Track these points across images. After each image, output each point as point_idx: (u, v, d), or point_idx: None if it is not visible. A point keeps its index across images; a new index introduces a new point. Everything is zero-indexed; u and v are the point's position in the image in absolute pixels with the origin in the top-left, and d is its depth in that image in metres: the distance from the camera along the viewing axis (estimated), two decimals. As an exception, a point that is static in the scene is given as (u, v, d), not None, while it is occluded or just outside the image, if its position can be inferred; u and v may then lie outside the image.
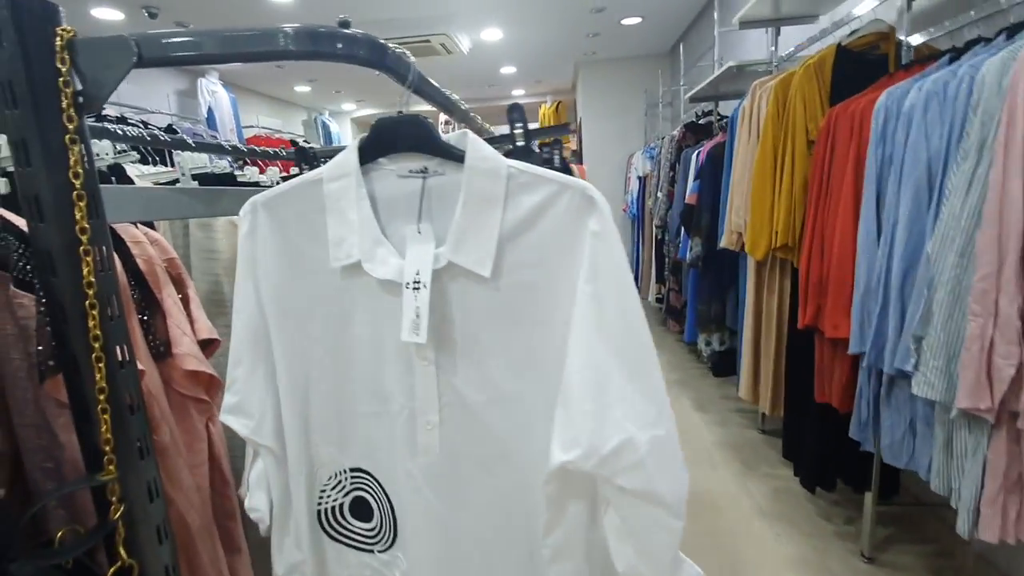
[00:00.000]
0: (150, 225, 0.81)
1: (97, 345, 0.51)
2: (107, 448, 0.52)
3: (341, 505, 0.69)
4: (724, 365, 2.85)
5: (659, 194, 3.73)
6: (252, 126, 5.52)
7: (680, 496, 0.56)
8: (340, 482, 0.68)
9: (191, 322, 0.77)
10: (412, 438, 0.63)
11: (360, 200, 0.58)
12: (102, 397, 0.52)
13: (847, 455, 1.82)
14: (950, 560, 1.77)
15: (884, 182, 1.29)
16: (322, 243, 0.60)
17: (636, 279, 5.21)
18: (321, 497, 0.69)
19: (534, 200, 0.55)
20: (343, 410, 0.66)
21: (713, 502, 2.14)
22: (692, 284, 2.98)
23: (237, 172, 1.02)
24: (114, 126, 1.01)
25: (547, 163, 0.90)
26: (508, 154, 0.61)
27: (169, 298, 0.74)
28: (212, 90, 4.57)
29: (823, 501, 2.10)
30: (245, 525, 0.87)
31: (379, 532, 0.69)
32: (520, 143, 0.67)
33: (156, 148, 1.09)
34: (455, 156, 0.57)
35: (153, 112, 4.03)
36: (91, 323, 0.51)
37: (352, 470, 0.68)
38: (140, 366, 0.69)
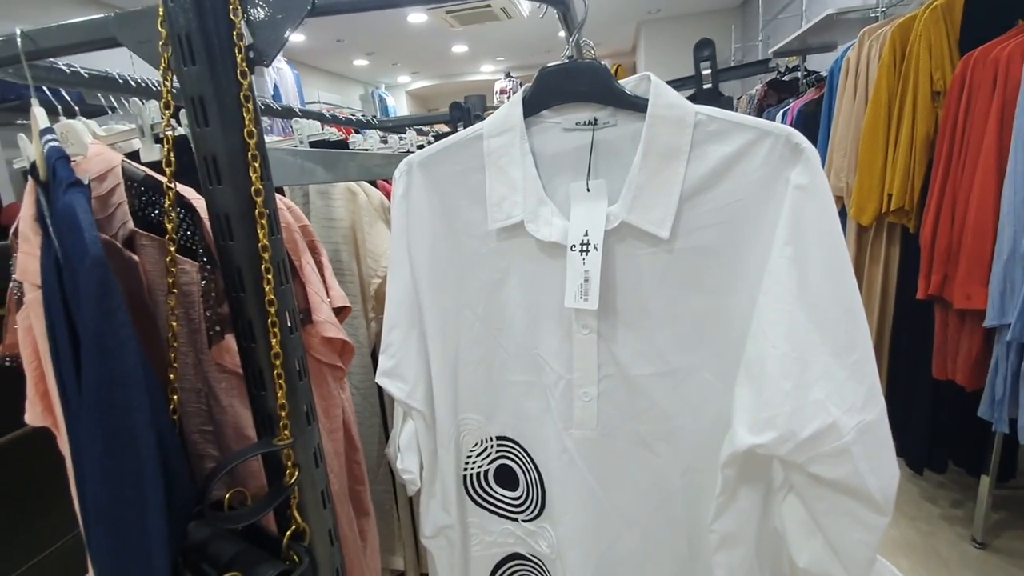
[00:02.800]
0: (280, 192, 0.80)
1: (272, 310, 0.50)
2: (282, 413, 0.52)
3: (486, 472, 0.68)
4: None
5: (734, 159, 3.52)
6: (314, 102, 5.59)
7: (889, 491, 0.50)
8: (486, 449, 0.67)
9: (327, 289, 0.77)
10: (568, 410, 0.60)
11: (524, 156, 0.54)
12: (277, 363, 0.51)
13: (960, 435, 1.70)
14: (1076, 549, 1.63)
15: (1040, 134, 1.14)
16: (480, 203, 0.57)
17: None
18: (467, 463, 0.68)
19: (725, 151, 0.49)
20: (493, 378, 0.63)
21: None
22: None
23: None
24: None
25: None
26: (693, 99, 0.55)
27: (307, 265, 0.74)
28: (277, 67, 4.64)
29: (926, 483, 1.97)
30: (372, 490, 0.89)
31: (525, 501, 0.67)
32: (707, 85, 0.61)
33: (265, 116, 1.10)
34: (633, 104, 0.51)
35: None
36: (266, 287, 0.50)
37: (498, 438, 0.66)
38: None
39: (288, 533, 0.53)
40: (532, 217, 0.54)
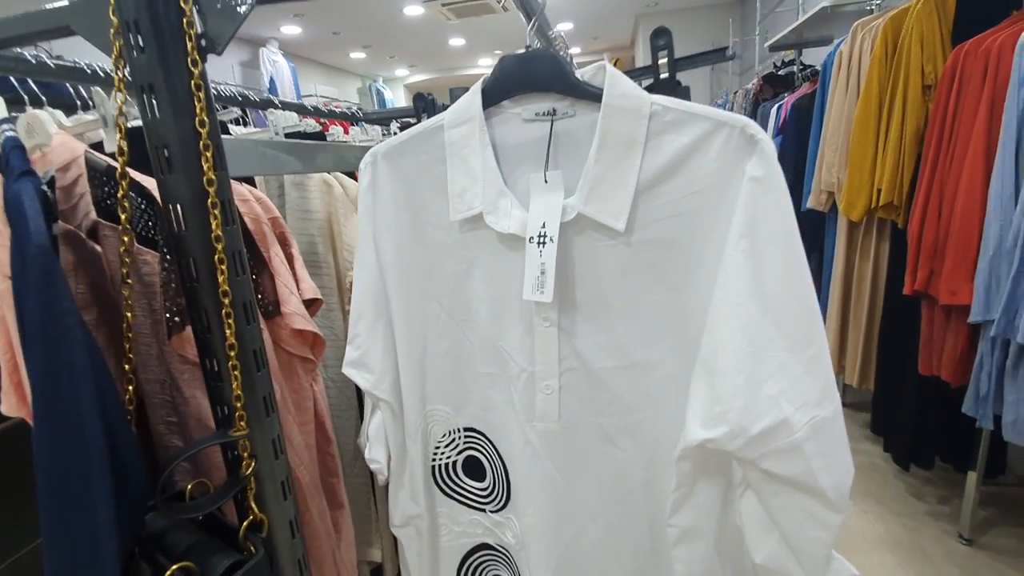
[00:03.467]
0: (251, 183, 0.80)
1: (227, 301, 0.50)
2: (238, 404, 0.52)
3: (454, 463, 0.68)
4: (802, 334, 2.71)
5: (730, 154, 3.51)
6: (310, 95, 5.58)
7: (843, 488, 0.50)
8: (454, 440, 0.67)
9: (296, 281, 0.76)
10: (530, 403, 0.59)
11: (483, 147, 0.54)
12: (232, 354, 0.51)
13: (947, 431, 1.70)
14: (1061, 546, 1.63)
15: (1026, 129, 1.13)
16: (443, 194, 0.57)
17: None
18: (436, 453, 0.68)
19: (681, 141, 0.49)
20: (460, 370, 0.63)
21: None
22: (768, 249, 2.82)
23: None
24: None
25: None
26: (651, 89, 0.54)
27: (276, 257, 0.73)
28: (273, 60, 4.63)
29: (913, 479, 1.97)
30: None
31: (492, 492, 0.67)
32: (664, 75, 0.60)
33: (243, 108, 1.09)
34: (591, 94, 0.51)
35: (220, 84, 4.12)
36: (220, 278, 0.49)
37: (466, 429, 0.66)
38: (253, 324, 0.68)
39: (245, 524, 0.53)
40: (491, 209, 0.54)
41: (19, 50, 0.69)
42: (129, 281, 0.53)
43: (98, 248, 0.60)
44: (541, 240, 0.52)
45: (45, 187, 0.52)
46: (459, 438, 0.67)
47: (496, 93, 0.54)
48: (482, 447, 0.66)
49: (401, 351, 0.65)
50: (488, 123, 0.55)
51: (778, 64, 3.26)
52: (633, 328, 0.54)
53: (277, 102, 1.00)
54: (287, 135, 0.88)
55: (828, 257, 2.19)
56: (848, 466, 0.50)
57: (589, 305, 0.55)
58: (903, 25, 1.58)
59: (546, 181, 0.53)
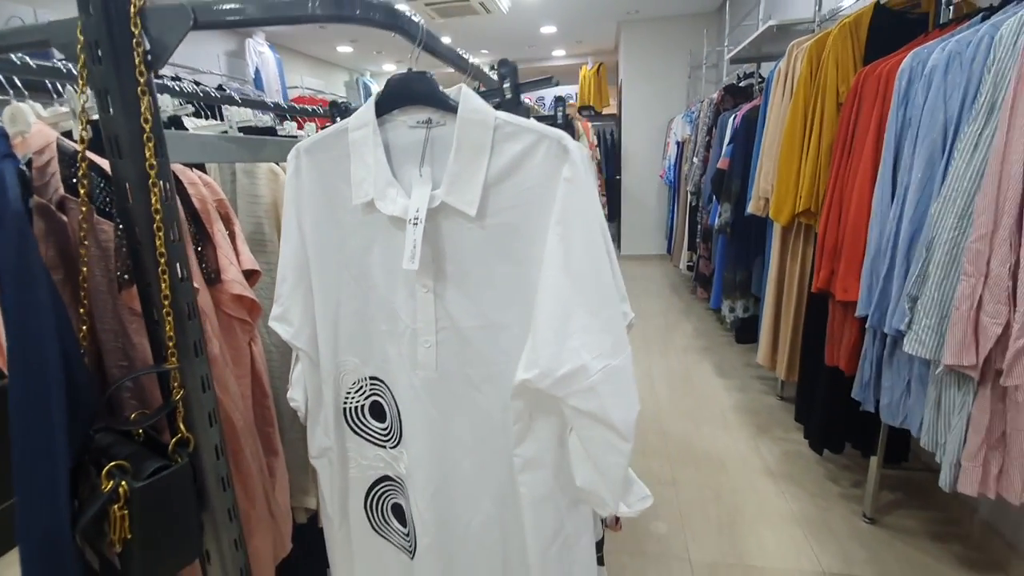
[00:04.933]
0: (202, 170, 0.93)
1: (163, 261, 0.63)
2: (170, 344, 0.65)
3: (362, 406, 0.81)
4: (747, 332, 2.88)
5: (695, 159, 3.68)
6: (296, 87, 5.67)
7: (629, 422, 0.64)
8: (361, 387, 0.80)
9: (237, 254, 0.90)
10: (414, 354, 0.74)
11: (376, 147, 0.68)
12: (166, 303, 0.64)
13: (857, 419, 1.86)
14: (955, 527, 1.80)
15: (902, 145, 1.29)
16: (348, 183, 0.70)
17: (669, 246, 5.18)
18: (347, 398, 0.81)
19: (516, 148, 0.63)
20: (365, 327, 0.77)
21: (721, 460, 2.21)
22: (720, 251, 2.99)
23: (278, 127, 1.14)
24: (171, 82, 1.14)
25: (550, 119, 0.97)
26: (498, 106, 0.68)
27: (219, 232, 0.87)
28: (259, 51, 4.72)
29: (833, 465, 2.14)
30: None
31: (390, 431, 0.81)
32: (509, 96, 0.74)
33: (208, 104, 1.22)
34: (452, 108, 0.65)
35: (204, 72, 4.21)
36: (158, 243, 0.63)
37: (371, 378, 0.80)
38: (196, 286, 0.82)
39: (174, 440, 0.67)
40: (381, 196, 0.68)
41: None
42: (86, 244, 0.66)
43: (65, 218, 0.73)
44: (415, 221, 0.66)
45: (24, 167, 0.65)
46: (365, 385, 0.81)
47: (387, 104, 0.68)
48: (383, 393, 0.80)
49: (318, 311, 0.78)
50: (383, 128, 0.69)
51: (741, 76, 3.43)
52: (489, 295, 0.69)
53: (238, 98, 1.13)
54: (240, 129, 1.01)
55: (767, 260, 2.36)
56: (633, 405, 0.65)
57: (456, 275, 0.69)
58: (825, 48, 1.74)
59: (421, 175, 0.67)
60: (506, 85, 0.75)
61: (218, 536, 0.75)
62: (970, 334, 0.99)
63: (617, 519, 1.50)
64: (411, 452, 0.77)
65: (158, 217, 0.62)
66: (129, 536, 0.60)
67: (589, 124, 1.04)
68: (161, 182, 0.63)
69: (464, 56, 0.84)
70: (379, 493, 0.84)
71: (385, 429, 0.81)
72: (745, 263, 2.77)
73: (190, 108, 0.96)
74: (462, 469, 0.76)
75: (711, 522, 1.85)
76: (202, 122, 1.05)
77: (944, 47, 1.18)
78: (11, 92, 0.84)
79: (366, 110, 0.68)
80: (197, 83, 2.75)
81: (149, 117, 0.61)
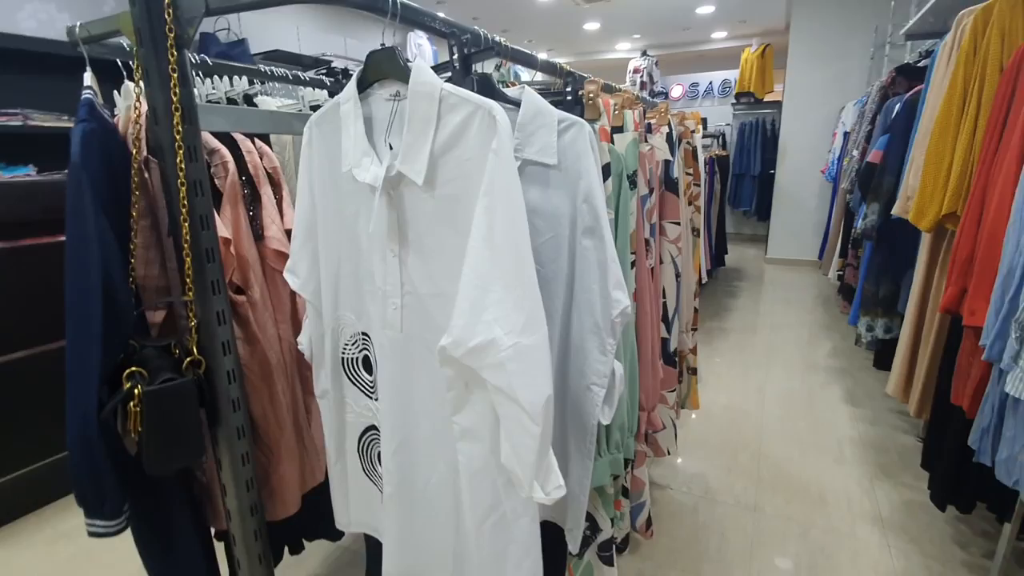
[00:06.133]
0: (266, 142, 1.08)
1: (184, 211, 0.77)
2: (188, 280, 0.79)
3: (356, 359, 0.89)
4: (887, 356, 2.45)
5: (854, 152, 3.19)
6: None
7: (536, 403, 0.61)
8: (356, 341, 0.88)
9: (281, 216, 1.03)
10: (384, 315, 0.79)
11: (356, 119, 0.73)
12: (186, 246, 0.78)
13: (992, 474, 1.50)
14: None
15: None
16: (341, 152, 0.77)
17: (821, 251, 4.57)
18: (344, 350, 0.90)
19: (457, 119, 0.64)
20: (359, 287, 0.84)
21: (822, 495, 1.94)
22: (865, 259, 2.57)
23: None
24: (296, 72, 1.33)
25: (560, 96, 0.94)
26: (450, 80, 0.69)
27: (266, 195, 1.01)
28: (419, 43, 5.14)
29: (966, 527, 1.76)
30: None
31: (374, 384, 0.88)
32: (458, 67, 0.74)
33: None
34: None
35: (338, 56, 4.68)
36: (182, 197, 0.76)
37: (363, 334, 0.87)
38: (243, 243, 0.96)
39: (187, 361, 0.81)
40: (357, 164, 0.74)
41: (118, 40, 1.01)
42: (137, 192, 0.82)
43: (147, 175, 0.91)
44: (373, 190, 0.70)
45: (115, 129, 0.83)
46: (359, 340, 0.88)
47: (366, 80, 0.73)
48: (370, 348, 0.87)
49: (323, 268, 0.87)
50: (366, 102, 0.74)
51: (922, 54, 2.87)
52: (440, 264, 0.71)
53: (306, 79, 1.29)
54: (311, 107, 1.15)
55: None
56: (541, 389, 0.61)
57: (415, 243, 0.72)
58: (990, 16, 1.40)
59: (390, 147, 0.71)
60: (455, 56, 0.75)
61: (231, 449, 0.89)
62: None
63: (648, 525, 1.42)
64: (382, 406, 0.83)
65: (182, 175, 0.75)
66: (140, 429, 0.75)
67: (611, 101, 0.97)
68: (187, 145, 0.76)
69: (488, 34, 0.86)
70: (368, 440, 0.92)
71: (371, 382, 0.88)
72: (892, 275, 2.35)
73: (256, 88, 1.12)
74: (422, 429, 0.80)
75: (786, 557, 1.65)
76: (280, 101, 1.21)
77: None
78: (125, 73, 1.05)
79: (351, 84, 0.74)
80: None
81: (178, 91, 0.73)
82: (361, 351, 0.89)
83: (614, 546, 1.16)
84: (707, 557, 1.65)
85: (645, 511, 1.37)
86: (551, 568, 1.10)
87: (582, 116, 0.88)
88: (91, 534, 0.81)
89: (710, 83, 7.17)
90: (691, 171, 1.77)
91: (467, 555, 0.79)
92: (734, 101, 6.45)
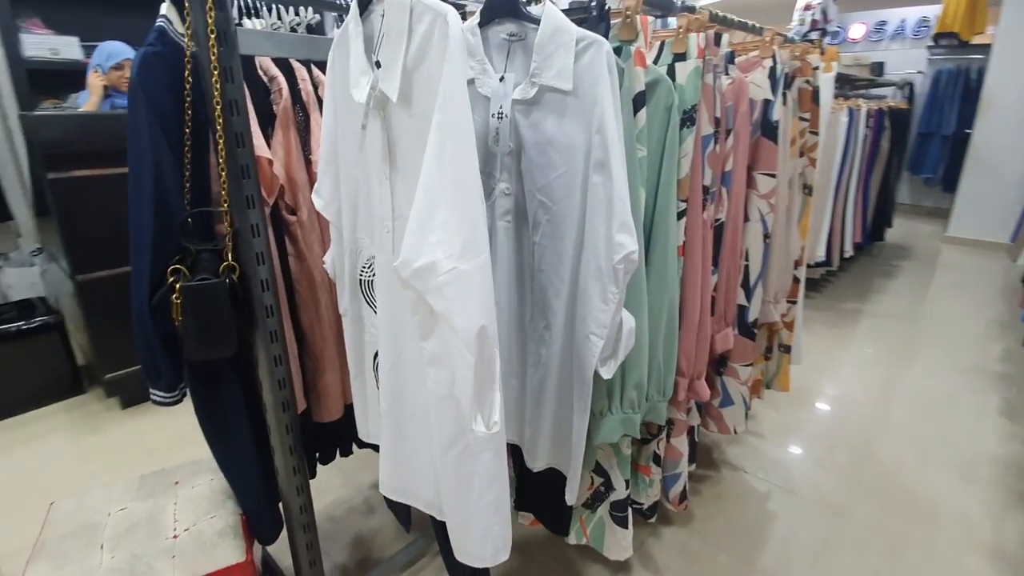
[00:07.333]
0: (322, 69, 1.13)
1: (220, 127, 0.84)
2: (224, 193, 0.88)
3: (371, 281, 0.93)
4: (1068, 365, 1.96)
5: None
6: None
7: (469, 332, 0.59)
8: (371, 264, 0.92)
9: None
10: (381, 238, 0.81)
11: (357, 37, 0.74)
12: (221, 160, 0.86)
13: None
14: None
15: None
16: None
17: (1016, 233, 3.71)
18: (362, 271, 0.94)
19: (422, 28, 0.60)
20: (371, 210, 0.86)
21: (930, 513, 1.66)
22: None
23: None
24: None
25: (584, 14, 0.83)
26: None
27: (315, 122, 1.07)
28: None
29: None
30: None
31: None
32: None
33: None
34: (399, -3, 0.66)
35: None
36: (218, 117, 0.84)
37: (374, 256, 0.91)
38: (294, 166, 1.04)
39: (223, 265, 0.91)
40: (355, 83, 0.74)
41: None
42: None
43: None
44: (369, 109, 0.71)
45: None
46: (373, 262, 0.92)
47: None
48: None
49: (343, 190, 0.91)
50: (368, 20, 0.74)
51: None
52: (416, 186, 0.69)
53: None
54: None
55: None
56: (474, 317, 0.58)
57: (401, 166, 0.72)
58: None
59: (378, 64, 0.70)
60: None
61: (266, 351, 1.00)
62: None
63: (682, 499, 1.34)
64: (378, 328, 0.87)
65: (217, 95, 0.83)
66: (181, 319, 0.87)
67: (648, 19, 0.82)
68: (222, 66, 0.82)
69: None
70: (377, 359, 0.97)
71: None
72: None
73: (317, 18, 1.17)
74: (410, 352, 0.82)
75: (862, 570, 1.45)
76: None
77: None
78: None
79: (354, 5, 0.74)
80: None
81: (213, 15, 0.79)
82: (374, 274, 0.93)
83: (630, 508, 1.11)
84: (765, 548, 1.52)
85: (680, 483, 1.28)
86: (556, 513, 1.10)
87: (606, 35, 0.79)
88: (153, 402, 0.98)
89: (902, 21, 5.97)
90: (808, 116, 1.52)
91: (441, 478, 0.82)
92: (931, 44, 5.33)
